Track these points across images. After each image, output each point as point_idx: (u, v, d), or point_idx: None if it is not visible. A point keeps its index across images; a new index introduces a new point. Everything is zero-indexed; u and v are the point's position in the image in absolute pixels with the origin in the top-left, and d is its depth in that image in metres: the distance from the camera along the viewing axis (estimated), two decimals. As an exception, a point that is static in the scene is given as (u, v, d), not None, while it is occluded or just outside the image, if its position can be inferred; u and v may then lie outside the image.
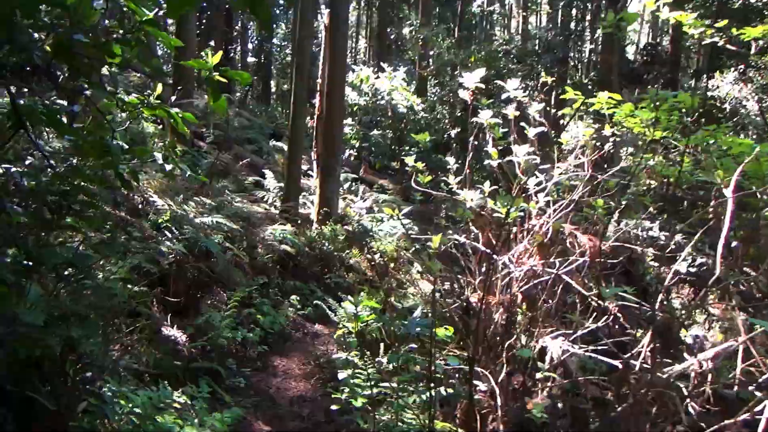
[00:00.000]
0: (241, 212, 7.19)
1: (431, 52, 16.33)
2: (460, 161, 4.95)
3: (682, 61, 16.13)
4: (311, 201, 10.50)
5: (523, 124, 4.41)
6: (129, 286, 4.49)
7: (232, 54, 23.63)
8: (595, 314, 4.07)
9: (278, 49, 24.72)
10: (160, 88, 2.74)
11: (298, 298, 7.11)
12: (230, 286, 5.60)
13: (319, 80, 12.30)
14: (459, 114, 16.01)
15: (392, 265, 9.72)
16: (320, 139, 11.00)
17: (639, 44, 21.42)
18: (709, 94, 14.39)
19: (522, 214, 4.17)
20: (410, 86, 13.22)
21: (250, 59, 26.92)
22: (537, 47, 17.51)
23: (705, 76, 14.87)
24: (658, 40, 19.13)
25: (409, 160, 4.99)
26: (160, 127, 11.91)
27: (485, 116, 4.38)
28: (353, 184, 13.05)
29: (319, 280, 8.16)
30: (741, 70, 13.63)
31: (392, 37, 19.65)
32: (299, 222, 9.11)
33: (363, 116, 12.81)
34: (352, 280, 8.28)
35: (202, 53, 2.63)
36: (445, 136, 16.00)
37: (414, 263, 10.16)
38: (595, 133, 4.21)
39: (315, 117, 12.33)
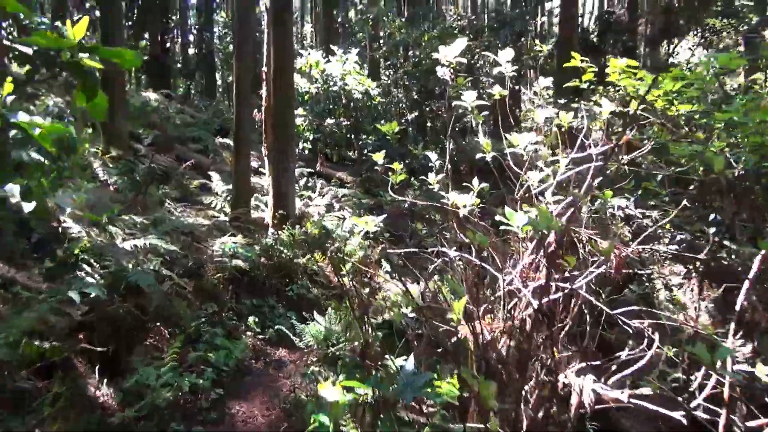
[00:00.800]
0: (183, 226, 6.19)
1: (381, 33, 15.39)
2: (425, 149, 4.14)
3: (639, 29, 15.67)
4: (265, 203, 9.53)
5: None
6: (36, 342, 3.51)
7: (169, 45, 22.11)
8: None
9: (219, 39, 23.28)
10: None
11: (257, 320, 6.20)
12: (171, 325, 4.65)
13: (264, 68, 11.28)
14: (416, 97, 15.19)
15: (359, 268, 8.89)
16: (270, 132, 10.02)
17: (593, 13, 20.99)
18: (670, 60, 13.99)
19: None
20: (363, 70, 12.28)
21: (192, 50, 25.36)
22: (492, 22, 16.77)
23: (665, 43, 14.45)
24: (611, 8, 18.65)
25: (378, 157, 4.16)
26: (90, 131, 10.68)
27: (469, 98, 3.55)
28: (309, 179, 12.10)
29: (280, 294, 7.25)
30: (699, 34, 13.23)
31: (339, 20, 18.62)
32: (252, 229, 8.15)
33: (315, 105, 11.82)
34: (318, 292, 7.42)
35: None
36: (403, 121, 15.16)
37: (383, 263, 9.35)
38: (620, 112, 3.43)
39: (262, 108, 11.32)
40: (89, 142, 9.83)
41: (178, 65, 22.58)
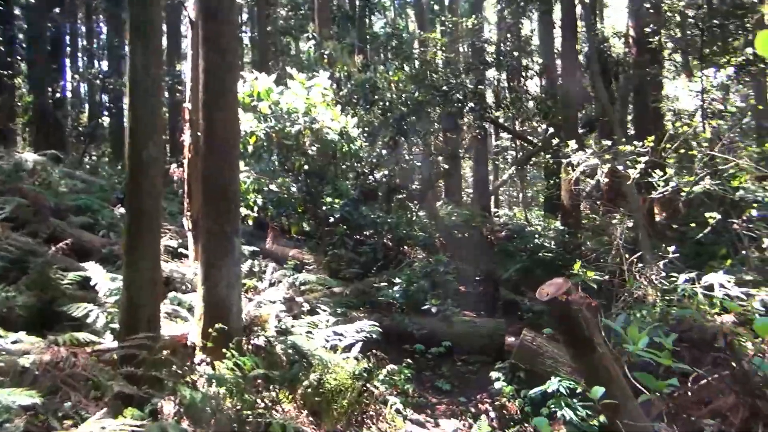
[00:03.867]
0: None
1: (337, 72, 12.40)
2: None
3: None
4: (188, 307, 5.88)
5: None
6: None
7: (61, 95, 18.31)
8: None
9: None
10: None
11: None
12: None
13: (188, 104, 7.88)
14: (382, 149, 12.12)
15: (351, 408, 5.33)
16: (198, 196, 6.57)
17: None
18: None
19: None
20: (333, 104, 9.13)
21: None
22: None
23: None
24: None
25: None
26: None
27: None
28: (255, 261, 8.52)
29: None
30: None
31: (273, 50, 15.61)
32: (164, 358, 4.43)
33: (264, 153, 8.43)
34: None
35: None
36: (371, 179, 11.98)
37: (387, 400, 5.83)
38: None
39: (185, 161, 7.81)
40: None
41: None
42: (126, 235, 4.06)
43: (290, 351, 5.43)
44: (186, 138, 7.76)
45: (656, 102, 13.45)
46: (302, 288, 8.30)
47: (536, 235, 11.99)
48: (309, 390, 5.23)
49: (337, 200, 9.22)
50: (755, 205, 8.15)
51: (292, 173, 8.86)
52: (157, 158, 3.90)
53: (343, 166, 9.86)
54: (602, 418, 6.04)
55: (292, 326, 6.21)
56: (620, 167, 7.53)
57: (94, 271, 5.62)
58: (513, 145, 23.69)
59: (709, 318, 6.65)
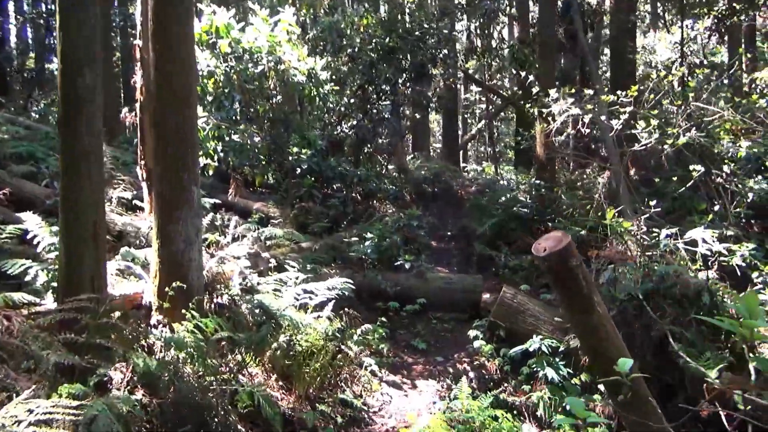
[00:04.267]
0: None
1: (302, 15, 11.61)
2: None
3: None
4: (142, 264, 5.35)
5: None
6: None
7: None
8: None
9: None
10: None
11: None
12: None
13: (139, 41, 7.14)
14: (350, 98, 11.47)
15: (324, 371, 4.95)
16: (152, 144, 5.99)
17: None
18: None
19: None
20: (301, 44, 8.36)
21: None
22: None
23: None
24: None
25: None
26: None
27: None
28: (218, 215, 7.96)
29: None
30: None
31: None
32: (111, 324, 3.93)
33: (225, 99, 7.69)
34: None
35: None
36: (338, 129, 11.38)
37: (362, 361, 5.49)
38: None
39: (138, 105, 7.12)
40: None
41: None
42: (62, 180, 3.47)
43: (257, 311, 4.99)
44: (137, 79, 7.05)
45: (633, 53, 13.09)
46: (268, 243, 7.81)
47: (510, 190, 11.66)
48: (278, 353, 4.83)
49: (304, 150, 8.64)
50: (729, 160, 7.96)
51: (256, 121, 8.18)
52: (95, 88, 3.30)
53: (311, 116, 9.22)
54: (584, 377, 5.85)
55: (259, 284, 5.75)
56: (603, 117, 7.17)
57: (32, 222, 5.01)
58: (482, 99, 23.21)
59: (692, 274, 6.48)
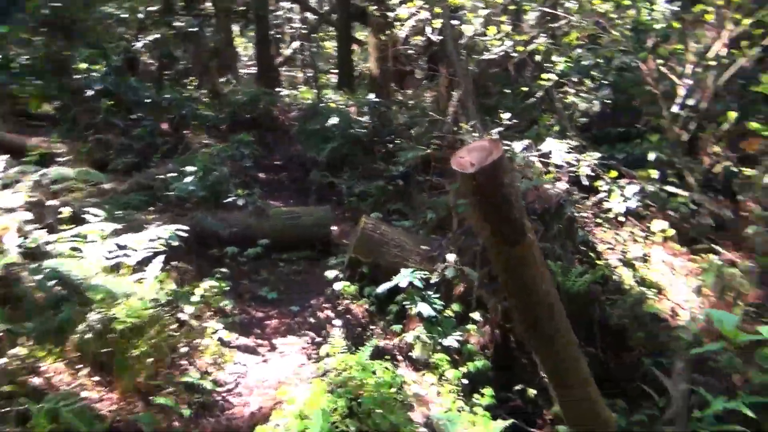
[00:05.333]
0: None
1: None
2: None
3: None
4: None
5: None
6: None
7: None
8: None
9: None
10: None
11: None
12: None
13: None
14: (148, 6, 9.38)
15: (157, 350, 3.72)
16: None
17: None
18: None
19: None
20: None
21: None
22: None
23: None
24: None
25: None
26: None
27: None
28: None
29: None
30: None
31: None
32: None
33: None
34: None
35: None
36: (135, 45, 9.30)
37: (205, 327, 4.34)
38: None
39: None
40: None
41: None
42: None
43: (51, 283, 3.52)
44: None
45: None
46: (55, 187, 6.03)
47: (339, 112, 10.73)
48: (88, 336, 3.47)
49: (95, 66, 6.73)
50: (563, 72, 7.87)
51: (24, 22, 6.00)
52: None
53: (100, 15, 7.20)
54: (457, 307, 5.34)
55: (48, 243, 4.19)
56: (456, 22, 6.47)
57: None
58: (295, 17, 21.58)
59: (548, 186, 6.28)
